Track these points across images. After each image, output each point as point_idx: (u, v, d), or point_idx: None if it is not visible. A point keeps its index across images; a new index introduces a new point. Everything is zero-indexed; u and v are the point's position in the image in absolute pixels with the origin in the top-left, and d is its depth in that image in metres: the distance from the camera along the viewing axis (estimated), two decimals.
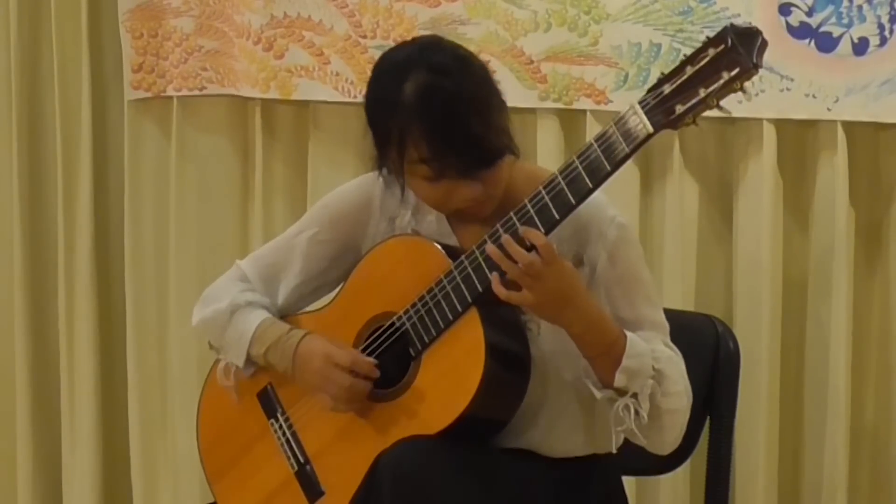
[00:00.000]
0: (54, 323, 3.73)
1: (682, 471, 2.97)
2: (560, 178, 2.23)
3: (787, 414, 3.14)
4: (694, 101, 2.15)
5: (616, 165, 2.21)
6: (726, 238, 3.18)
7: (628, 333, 2.30)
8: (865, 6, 2.96)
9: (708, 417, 2.64)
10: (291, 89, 3.40)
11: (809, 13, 2.99)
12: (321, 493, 2.42)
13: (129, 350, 3.64)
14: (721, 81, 2.12)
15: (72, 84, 3.63)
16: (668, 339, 2.37)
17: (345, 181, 3.29)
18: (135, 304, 3.64)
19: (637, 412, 2.28)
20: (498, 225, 2.27)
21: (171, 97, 3.55)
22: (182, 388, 3.57)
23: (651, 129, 2.17)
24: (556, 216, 2.24)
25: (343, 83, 3.35)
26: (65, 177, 3.65)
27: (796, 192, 3.12)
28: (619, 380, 2.27)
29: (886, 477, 3.13)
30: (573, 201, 2.23)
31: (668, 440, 2.36)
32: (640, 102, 2.18)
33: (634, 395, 2.28)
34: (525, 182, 2.35)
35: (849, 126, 3.02)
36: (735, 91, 2.14)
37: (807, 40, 2.99)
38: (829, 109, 3.00)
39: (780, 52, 2.96)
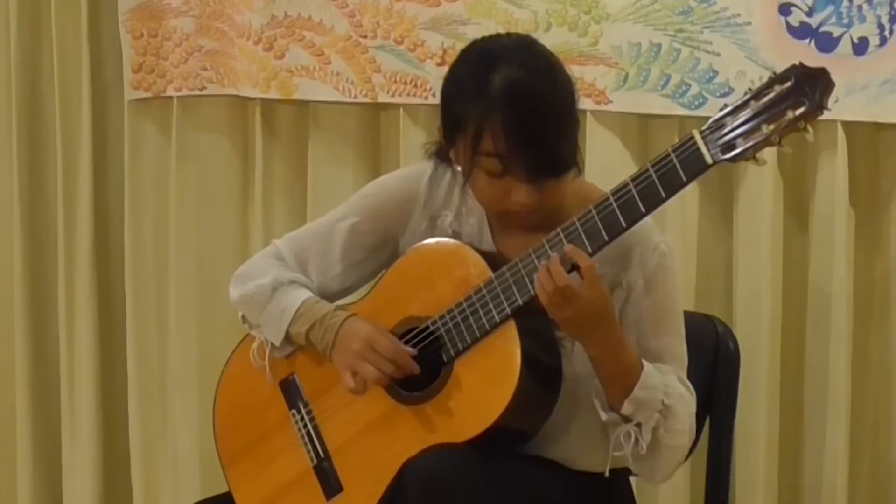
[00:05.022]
0: (54, 323, 3.73)
1: (682, 471, 2.97)
2: (612, 200, 2.21)
3: (787, 414, 3.14)
4: (756, 137, 2.12)
5: (671, 193, 2.18)
6: (726, 238, 3.18)
7: (645, 364, 2.29)
8: (865, 6, 2.96)
9: (708, 417, 2.64)
10: (292, 89, 3.40)
11: (809, 13, 2.99)
12: (340, 490, 2.41)
13: (129, 350, 3.64)
14: (785, 119, 2.11)
15: (72, 84, 3.63)
16: (684, 375, 2.37)
17: (345, 181, 3.31)
18: (135, 304, 3.64)
19: (637, 440, 2.28)
20: (545, 240, 2.25)
21: (171, 97, 3.55)
22: (182, 388, 3.57)
23: (710, 161, 2.15)
24: (605, 238, 2.23)
25: (343, 83, 3.35)
26: (65, 177, 3.65)
27: (796, 192, 3.12)
28: (627, 408, 2.27)
29: (886, 477, 3.13)
30: (624, 225, 2.21)
31: (660, 474, 2.37)
32: (700, 132, 2.16)
33: (638, 425, 2.28)
34: (572, 197, 2.34)
35: (849, 126, 3.02)
36: (799, 130, 2.12)
37: (807, 40, 2.99)
38: (829, 109, 3.00)
39: (780, 52, 2.96)
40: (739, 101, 2.15)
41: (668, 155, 2.17)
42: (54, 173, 3.68)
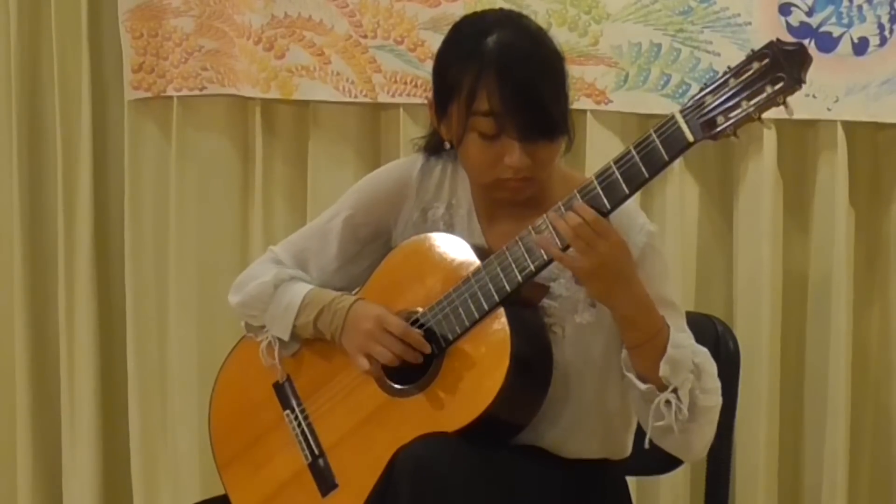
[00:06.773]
0: (54, 323, 3.73)
1: (682, 471, 2.97)
2: (596, 183, 2.22)
3: (787, 414, 3.14)
4: (737, 113, 2.14)
5: (654, 173, 2.20)
6: (726, 238, 3.18)
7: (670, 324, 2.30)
8: (865, 6, 2.96)
9: None
10: (292, 89, 3.40)
11: (809, 13, 2.99)
12: (335, 486, 2.41)
13: (129, 350, 3.65)
14: (764, 95, 2.13)
15: (72, 84, 3.63)
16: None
17: (345, 180, 3.31)
18: (135, 304, 3.64)
19: (679, 408, 2.27)
20: (530, 227, 2.26)
21: (171, 97, 3.55)
22: (182, 388, 3.57)
23: (691, 139, 2.17)
24: None
25: (343, 83, 3.35)
26: (65, 177, 3.65)
27: (796, 192, 3.12)
28: (664, 370, 2.25)
29: (886, 477, 3.13)
30: (608, 206, 2.22)
31: (699, 442, 2.35)
32: (681, 111, 2.18)
33: (674, 391, 2.27)
34: (559, 183, 2.35)
35: (849, 126, 3.02)
36: (777, 105, 2.14)
37: (807, 40, 2.99)
38: (829, 109, 3.01)
39: None
40: (719, 80, 2.17)
41: (650, 135, 2.19)
42: (54, 173, 3.68)
